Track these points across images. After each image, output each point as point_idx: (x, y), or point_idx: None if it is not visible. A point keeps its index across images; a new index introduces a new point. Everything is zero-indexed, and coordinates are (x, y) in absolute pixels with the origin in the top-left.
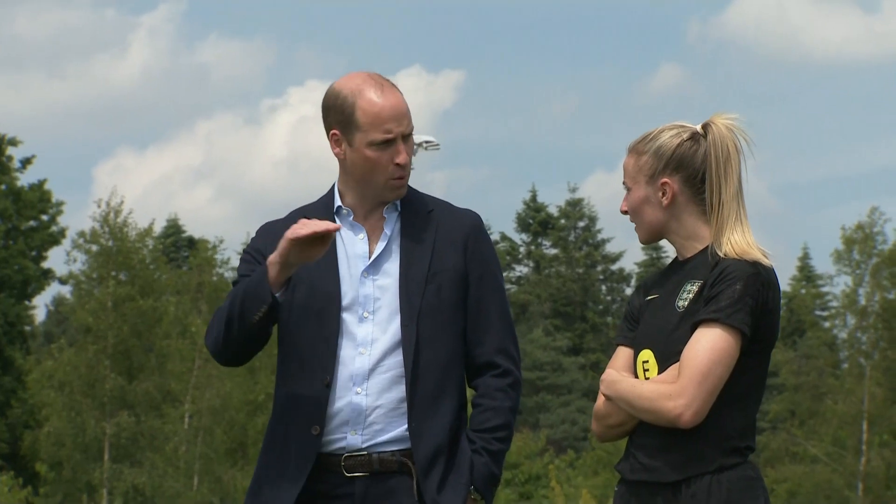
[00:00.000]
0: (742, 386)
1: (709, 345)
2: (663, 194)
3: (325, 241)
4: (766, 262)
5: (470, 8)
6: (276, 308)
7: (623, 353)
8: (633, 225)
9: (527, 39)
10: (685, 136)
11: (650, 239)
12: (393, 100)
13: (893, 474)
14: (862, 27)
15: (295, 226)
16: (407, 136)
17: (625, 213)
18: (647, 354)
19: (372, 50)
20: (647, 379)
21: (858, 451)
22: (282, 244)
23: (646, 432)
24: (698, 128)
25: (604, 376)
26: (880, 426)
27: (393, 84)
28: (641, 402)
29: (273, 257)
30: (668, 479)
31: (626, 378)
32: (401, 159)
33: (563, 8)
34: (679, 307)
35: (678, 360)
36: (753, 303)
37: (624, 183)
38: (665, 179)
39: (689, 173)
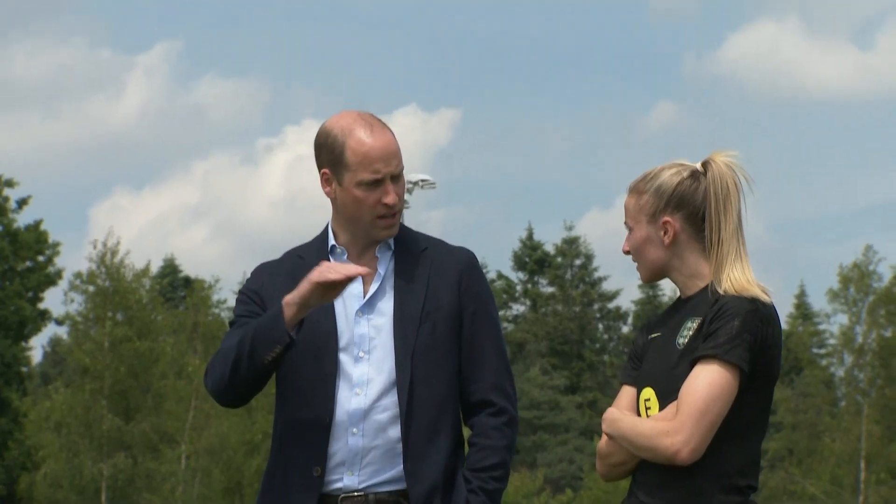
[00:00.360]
0: (742, 423)
1: (706, 381)
2: (665, 233)
3: (344, 284)
4: (765, 298)
5: (466, 47)
6: (290, 348)
7: (626, 393)
8: (633, 264)
9: (523, 77)
10: (685, 174)
11: (652, 278)
12: (382, 140)
13: None
14: (856, 63)
15: (321, 269)
16: (396, 177)
17: (627, 253)
18: (648, 392)
19: (368, 89)
20: (648, 417)
21: (856, 490)
22: (305, 286)
23: (647, 470)
24: (698, 165)
25: (605, 415)
26: (877, 464)
27: (384, 124)
28: (641, 439)
29: (292, 298)
30: None
31: (626, 416)
32: (389, 199)
33: (559, 46)
34: (679, 344)
35: (678, 397)
36: (752, 339)
37: (625, 223)
38: (666, 218)
39: (690, 211)
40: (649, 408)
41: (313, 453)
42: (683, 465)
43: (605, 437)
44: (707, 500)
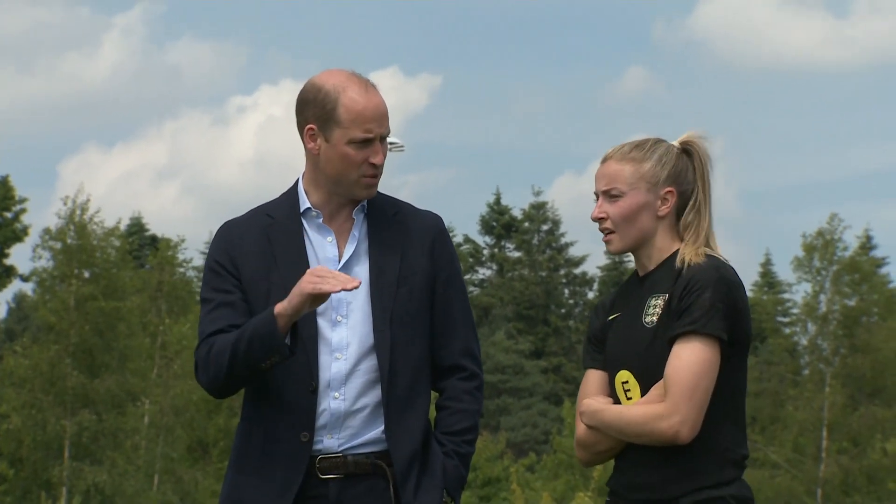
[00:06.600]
0: (728, 393)
1: (691, 358)
2: (663, 203)
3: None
4: (723, 258)
5: (450, 13)
6: (288, 357)
7: (594, 377)
8: (602, 233)
9: (497, 44)
10: (677, 151)
11: (628, 248)
12: (376, 99)
13: (851, 481)
14: (830, 31)
15: (314, 279)
16: (384, 138)
17: (600, 219)
18: (625, 375)
19: (349, 49)
20: (628, 400)
21: (818, 458)
22: (297, 299)
23: (638, 450)
24: (676, 143)
25: (583, 407)
26: (839, 433)
27: (374, 84)
28: (633, 427)
29: (285, 308)
30: (665, 495)
31: (608, 406)
32: (377, 160)
33: (530, 11)
34: (647, 323)
35: (659, 378)
36: (724, 307)
37: (611, 189)
38: (670, 189)
39: (682, 189)
40: (628, 390)
41: (300, 419)
42: (683, 444)
43: (583, 428)
44: (704, 476)
